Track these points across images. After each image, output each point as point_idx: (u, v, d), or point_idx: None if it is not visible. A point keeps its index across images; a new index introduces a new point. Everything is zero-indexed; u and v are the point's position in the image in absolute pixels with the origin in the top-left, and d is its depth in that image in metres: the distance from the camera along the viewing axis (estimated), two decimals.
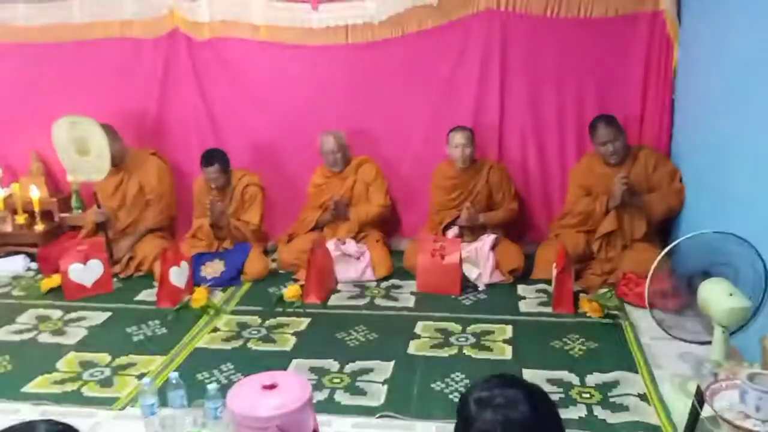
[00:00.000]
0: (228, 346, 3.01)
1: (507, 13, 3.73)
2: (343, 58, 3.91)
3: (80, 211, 4.27)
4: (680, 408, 2.30)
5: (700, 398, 2.09)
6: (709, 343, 2.42)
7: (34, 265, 4.05)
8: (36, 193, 4.11)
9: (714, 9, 3.16)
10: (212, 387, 2.30)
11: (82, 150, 3.67)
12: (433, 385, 2.61)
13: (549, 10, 3.68)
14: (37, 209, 4.12)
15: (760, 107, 2.62)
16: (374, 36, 3.84)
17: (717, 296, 2.27)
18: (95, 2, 3.99)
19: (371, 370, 2.75)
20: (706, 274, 2.43)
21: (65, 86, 4.14)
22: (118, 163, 3.89)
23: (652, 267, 2.52)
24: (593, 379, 2.61)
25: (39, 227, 4.14)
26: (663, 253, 2.43)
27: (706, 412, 2.10)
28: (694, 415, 2.13)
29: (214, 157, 3.79)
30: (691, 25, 3.47)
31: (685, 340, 2.54)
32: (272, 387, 2.05)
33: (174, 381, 2.37)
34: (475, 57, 3.83)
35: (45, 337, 3.15)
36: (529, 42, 3.77)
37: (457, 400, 2.46)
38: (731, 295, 2.23)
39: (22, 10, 4.06)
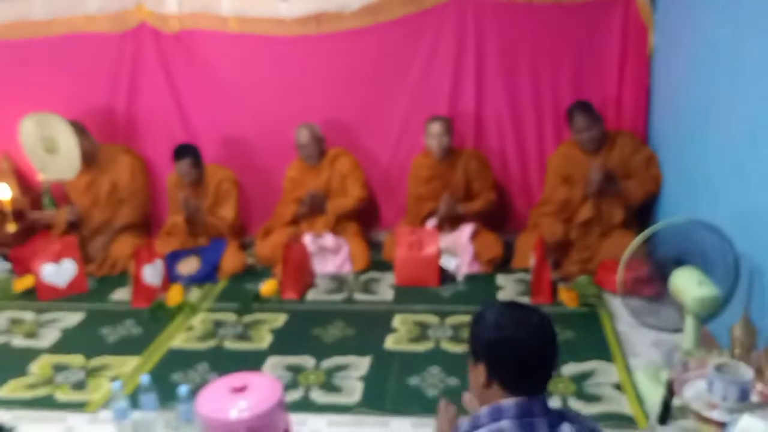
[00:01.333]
0: (203, 345, 2.98)
1: (480, 0, 3.67)
2: (316, 49, 3.84)
3: (53, 209, 4.19)
4: (653, 396, 2.31)
5: (670, 388, 2.09)
6: (680, 330, 2.43)
7: (7, 266, 3.98)
8: (7, 192, 4.03)
9: None
10: (184, 389, 2.28)
11: (50, 148, 3.60)
12: (408, 381, 2.60)
13: None
14: (8, 209, 4.04)
15: (732, 93, 2.61)
16: (346, 25, 3.77)
17: (687, 285, 2.26)
18: None
19: (347, 366, 2.74)
20: (679, 262, 2.42)
21: (32, 84, 4.04)
22: (89, 161, 3.81)
23: (624, 256, 2.52)
24: (569, 369, 2.61)
25: (11, 227, 4.07)
26: (635, 242, 2.42)
27: (676, 401, 2.11)
28: (665, 405, 2.13)
29: (185, 151, 3.73)
30: (666, 9, 3.45)
31: (658, 328, 2.54)
32: (242, 389, 2.03)
33: (145, 384, 2.34)
34: (450, 45, 3.77)
35: (18, 341, 3.11)
36: (504, 28, 3.71)
37: (433, 395, 2.48)
38: (701, 283, 2.22)
39: None
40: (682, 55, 3.21)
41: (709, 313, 2.28)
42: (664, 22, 3.48)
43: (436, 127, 3.66)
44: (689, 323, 2.30)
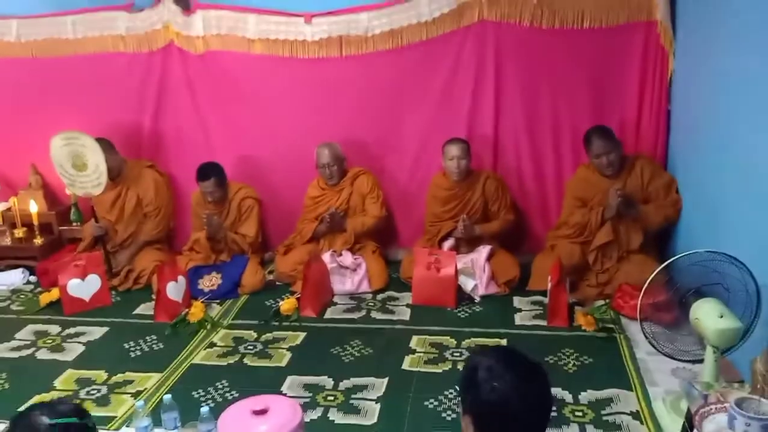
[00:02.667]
0: (224, 362, 3.03)
1: (501, 24, 3.71)
2: (338, 70, 3.90)
3: (79, 223, 4.29)
4: (672, 428, 2.30)
5: (690, 421, 2.09)
6: (701, 361, 2.42)
7: (33, 279, 4.08)
8: (35, 206, 4.13)
9: (708, 19, 3.15)
10: (204, 410, 2.32)
11: (79, 165, 3.69)
12: (426, 403, 2.62)
13: (543, 21, 3.66)
14: (35, 222, 4.14)
15: (755, 121, 2.61)
16: (368, 48, 3.84)
17: (708, 317, 2.26)
18: (89, 17, 4.00)
19: (365, 387, 2.76)
20: (699, 293, 2.42)
21: (61, 100, 4.15)
22: (115, 177, 3.91)
23: (645, 284, 2.52)
24: (587, 396, 2.61)
25: (38, 240, 4.16)
26: (655, 272, 2.43)
27: None
28: None
29: (209, 171, 3.79)
30: (685, 35, 3.46)
31: (675, 358, 2.53)
32: (263, 412, 2.06)
33: (167, 403, 2.39)
34: (470, 68, 3.82)
35: (43, 354, 3.17)
36: (523, 52, 3.75)
37: (450, 418, 2.49)
38: (721, 316, 2.22)
39: (16, 27, 4.07)
40: (702, 81, 3.21)
41: (729, 345, 2.28)
42: (683, 46, 3.49)
43: (454, 150, 3.69)
44: (709, 355, 2.29)
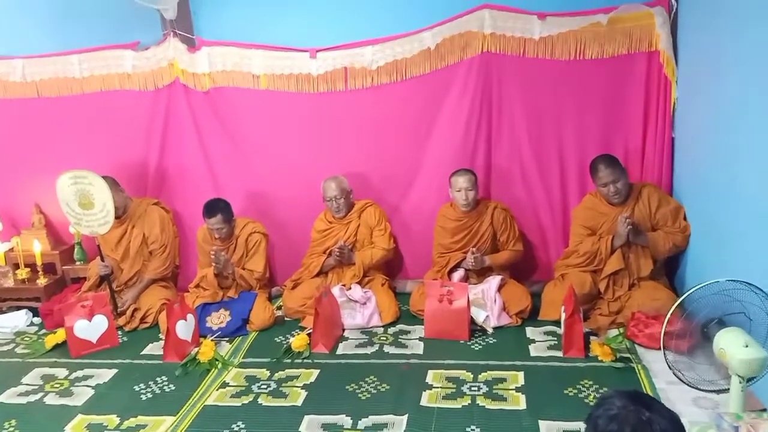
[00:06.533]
0: (238, 402, 2.97)
1: (504, 56, 3.76)
2: (343, 104, 3.93)
3: (83, 263, 4.24)
4: None
5: None
6: (724, 391, 2.41)
7: (37, 320, 4.01)
8: (38, 246, 4.08)
9: (708, 48, 3.21)
10: None
11: (86, 204, 3.66)
12: None
13: (546, 53, 3.71)
14: (39, 263, 4.09)
15: (755, 145, 2.64)
16: (373, 81, 3.87)
17: (733, 346, 2.26)
18: (95, 56, 4.01)
19: (385, 425, 2.71)
20: (721, 323, 2.42)
21: (66, 139, 4.14)
22: (121, 215, 3.88)
23: (667, 315, 2.51)
24: None
25: (41, 281, 4.11)
26: (678, 302, 2.43)
27: None
28: None
29: (216, 208, 3.77)
30: (687, 64, 3.52)
31: (700, 389, 2.52)
32: None
33: None
34: (475, 99, 3.85)
35: (51, 399, 3.10)
36: (527, 83, 3.80)
37: None
38: (746, 345, 2.22)
39: (22, 66, 4.07)
40: (705, 109, 3.26)
41: (755, 374, 2.27)
42: (685, 75, 3.54)
43: (462, 181, 3.71)
44: (735, 385, 2.28)
